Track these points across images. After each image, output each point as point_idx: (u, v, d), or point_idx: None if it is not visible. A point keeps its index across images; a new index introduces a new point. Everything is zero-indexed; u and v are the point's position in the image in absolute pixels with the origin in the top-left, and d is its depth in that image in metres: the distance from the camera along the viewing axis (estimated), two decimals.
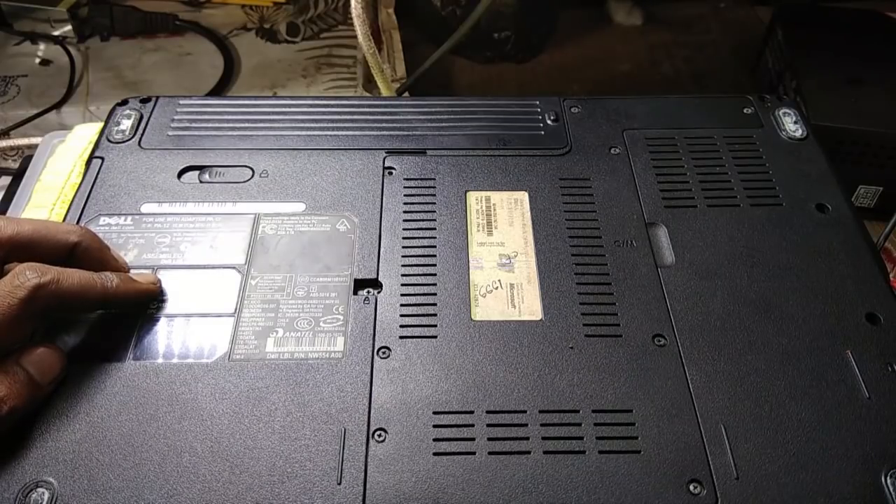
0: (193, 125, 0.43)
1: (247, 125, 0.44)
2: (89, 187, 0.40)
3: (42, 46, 0.71)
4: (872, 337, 0.34)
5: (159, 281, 0.35)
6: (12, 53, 0.71)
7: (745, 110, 0.46)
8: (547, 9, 0.56)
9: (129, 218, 0.38)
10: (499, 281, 0.36)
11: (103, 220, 0.38)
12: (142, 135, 0.43)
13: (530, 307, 0.35)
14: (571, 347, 0.34)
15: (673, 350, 0.34)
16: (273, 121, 0.44)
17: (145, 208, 0.39)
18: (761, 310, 0.35)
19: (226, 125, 0.44)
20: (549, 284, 0.36)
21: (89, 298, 0.32)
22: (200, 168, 0.41)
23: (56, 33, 0.71)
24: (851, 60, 0.44)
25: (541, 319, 0.35)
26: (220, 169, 0.41)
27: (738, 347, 0.34)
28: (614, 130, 0.44)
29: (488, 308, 0.35)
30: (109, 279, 0.33)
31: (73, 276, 0.31)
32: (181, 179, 0.41)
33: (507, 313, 0.35)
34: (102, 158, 0.41)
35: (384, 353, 0.33)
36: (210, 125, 0.44)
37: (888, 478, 0.30)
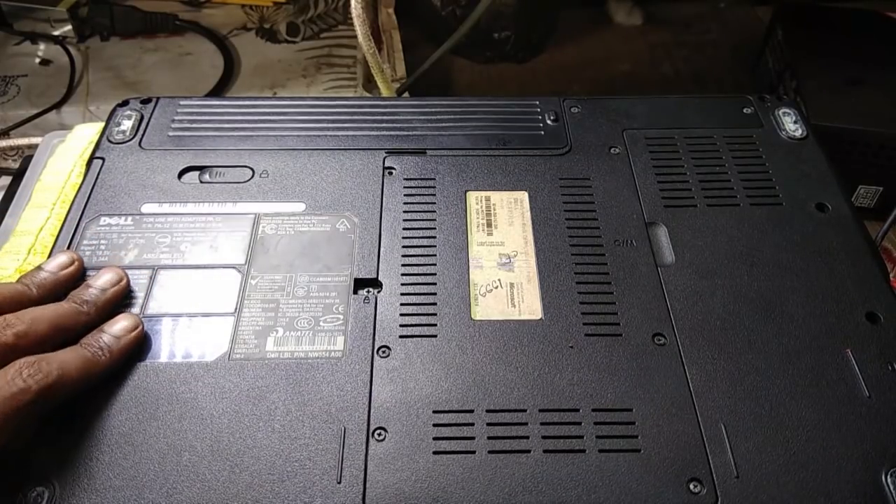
0: (194, 126, 0.44)
1: (247, 125, 0.44)
2: (90, 187, 0.40)
3: (42, 46, 0.71)
4: (872, 336, 0.34)
5: (140, 326, 0.33)
6: (12, 53, 0.71)
7: (744, 110, 0.46)
8: (547, 9, 0.55)
9: (130, 218, 0.38)
10: (499, 280, 0.36)
11: (104, 220, 0.38)
12: (142, 135, 0.43)
13: (530, 306, 0.35)
14: (571, 347, 0.34)
15: (673, 349, 0.34)
16: (273, 121, 0.44)
17: (146, 208, 0.39)
18: (761, 309, 0.35)
19: (226, 125, 0.44)
20: (549, 284, 0.36)
21: (93, 377, 0.31)
22: (201, 168, 0.41)
23: (56, 33, 0.72)
24: (851, 60, 0.44)
25: (541, 319, 0.35)
26: (220, 169, 0.41)
27: (737, 346, 0.34)
28: (614, 130, 0.44)
29: (488, 307, 0.35)
30: (103, 350, 0.32)
31: (72, 363, 0.30)
32: (182, 180, 0.41)
33: (506, 312, 0.35)
34: (103, 159, 0.41)
35: (384, 352, 0.33)
36: (210, 125, 0.44)
37: (888, 476, 0.30)
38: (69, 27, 0.71)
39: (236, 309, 0.35)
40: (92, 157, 0.42)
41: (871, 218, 0.42)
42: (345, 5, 0.58)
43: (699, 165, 0.42)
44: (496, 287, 0.36)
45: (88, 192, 0.40)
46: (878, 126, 0.46)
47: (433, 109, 0.45)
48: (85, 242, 0.37)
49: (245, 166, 0.41)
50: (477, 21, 0.51)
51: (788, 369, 0.33)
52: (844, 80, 0.42)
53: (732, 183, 0.41)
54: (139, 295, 0.35)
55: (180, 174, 0.41)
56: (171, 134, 0.43)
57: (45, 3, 0.68)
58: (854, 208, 0.40)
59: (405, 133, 0.43)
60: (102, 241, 0.37)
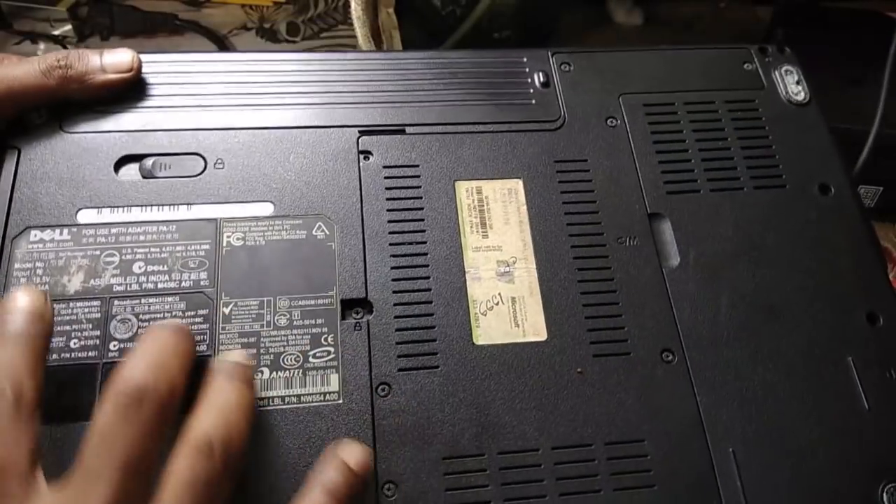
0: (126, 96, 0.36)
1: (191, 94, 0.37)
2: (9, 189, 0.33)
3: (42, 46, 0.64)
4: (872, 339, 0.34)
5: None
6: (12, 53, 0.60)
7: (745, 66, 0.42)
8: (547, 9, 0.51)
9: (66, 230, 0.33)
10: (499, 295, 0.33)
11: (34, 234, 0.32)
12: (62, 113, 0.35)
13: (534, 325, 0.33)
14: (580, 371, 0.32)
15: (681, 367, 0.33)
16: (222, 86, 0.37)
17: (83, 217, 0.33)
18: (764, 313, 0.34)
19: (165, 94, 0.37)
20: (552, 296, 0.34)
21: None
22: (141, 157, 0.35)
23: (56, 33, 0.65)
24: (851, 60, 0.42)
25: (546, 340, 0.33)
26: (165, 159, 0.35)
27: (743, 358, 0.33)
28: (610, 95, 0.40)
29: (490, 329, 0.33)
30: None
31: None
32: (119, 174, 0.34)
33: (510, 334, 0.33)
34: (18, 149, 0.34)
35: (384, 389, 0.31)
36: (145, 96, 0.36)
37: (885, 493, 0.31)
38: (69, 27, 0.65)
39: (210, 347, 0.31)
40: (4, 147, 0.34)
41: (872, 218, 0.41)
42: (345, 5, 0.56)
43: (701, 140, 0.39)
44: (497, 303, 0.33)
45: (8, 195, 0.33)
46: (879, 126, 0.45)
47: (409, 68, 0.39)
48: (17, 266, 0.31)
49: (195, 153, 0.35)
50: (477, 21, 0.49)
51: (793, 381, 0.33)
52: (844, 80, 0.40)
53: (735, 161, 0.38)
54: (93, 334, 0.30)
55: (117, 166, 0.34)
56: (98, 109, 0.36)
57: (45, 3, 0.63)
58: (855, 188, 0.39)
59: (379, 102, 0.38)
60: (38, 264, 0.32)
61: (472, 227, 0.35)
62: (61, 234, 0.32)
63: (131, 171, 0.35)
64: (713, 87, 0.41)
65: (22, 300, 0.28)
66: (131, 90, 0.36)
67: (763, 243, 0.36)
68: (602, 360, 0.32)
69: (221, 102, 0.37)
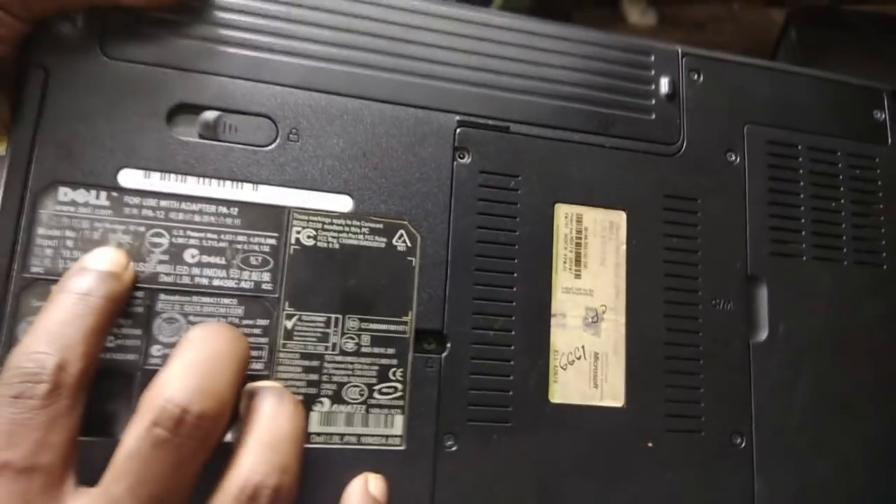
0: (185, 23, 0.29)
1: (270, 33, 0.30)
2: (32, 124, 0.27)
3: None
4: None
5: None
6: None
7: (875, 114, 0.38)
8: (559, 9, 0.47)
9: (104, 194, 0.27)
10: (582, 348, 0.31)
11: (64, 192, 0.27)
12: (103, 28, 0.28)
13: (613, 388, 0.31)
14: (650, 445, 0.31)
15: (748, 453, 0.32)
16: (311, 28, 0.30)
17: (125, 178, 0.27)
18: (836, 406, 0.33)
19: (239, 23, 0.30)
20: (636, 357, 0.31)
21: None
22: (200, 109, 0.29)
23: None
24: (866, 64, 0.39)
25: (622, 406, 0.31)
26: (230, 118, 0.29)
27: (806, 447, 0.32)
28: (736, 121, 0.35)
29: (568, 386, 0.30)
30: None
31: None
32: (172, 127, 0.28)
33: (587, 395, 0.30)
34: (46, 70, 0.27)
35: (449, 440, 0.28)
36: (214, 17, 0.29)
37: None
38: None
39: (268, 367, 0.27)
40: (28, 65, 0.27)
41: None
42: None
43: (816, 196, 0.35)
44: (579, 357, 0.31)
45: (32, 131, 0.27)
46: None
47: (518, 43, 0.33)
48: (41, 232, 0.26)
49: (265, 116, 0.29)
50: None
51: (845, 477, 0.33)
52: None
53: (844, 229, 0.35)
54: (133, 332, 0.26)
55: (170, 114, 0.28)
56: (150, 32, 0.29)
57: None
58: None
59: (484, 85, 0.32)
60: (68, 233, 0.26)
61: (565, 261, 0.31)
62: (98, 197, 0.27)
63: (188, 125, 0.28)
64: (839, 131, 0.37)
65: (99, 257, 0.25)
66: (197, 6, 0.29)
67: (850, 325, 0.34)
68: (673, 436, 0.31)
69: (307, 49, 0.30)
